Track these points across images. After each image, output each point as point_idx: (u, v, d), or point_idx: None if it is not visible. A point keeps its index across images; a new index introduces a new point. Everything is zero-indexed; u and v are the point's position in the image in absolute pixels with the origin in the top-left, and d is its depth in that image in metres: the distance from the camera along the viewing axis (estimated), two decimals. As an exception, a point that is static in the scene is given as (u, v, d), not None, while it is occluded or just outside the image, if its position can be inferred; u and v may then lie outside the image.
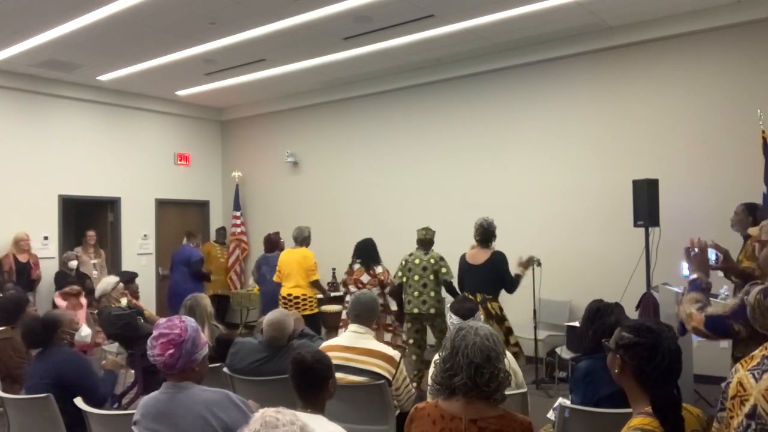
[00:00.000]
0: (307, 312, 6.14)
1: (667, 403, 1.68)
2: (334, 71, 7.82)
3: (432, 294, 5.57)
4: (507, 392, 2.06)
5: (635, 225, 5.55)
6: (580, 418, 2.64)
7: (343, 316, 5.82)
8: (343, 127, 8.75)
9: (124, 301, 5.16)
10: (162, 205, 9.35)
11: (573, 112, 6.73)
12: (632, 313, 4.60)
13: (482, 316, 4.18)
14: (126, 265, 8.32)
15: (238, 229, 9.61)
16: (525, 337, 5.86)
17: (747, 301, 1.95)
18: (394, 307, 5.90)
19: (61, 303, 6.70)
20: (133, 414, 2.35)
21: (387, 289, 5.77)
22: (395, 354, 3.27)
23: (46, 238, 7.97)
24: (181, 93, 8.93)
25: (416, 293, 5.59)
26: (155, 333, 2.28)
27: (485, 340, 1.99)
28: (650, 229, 5.50)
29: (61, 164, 8.14)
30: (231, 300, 9.08)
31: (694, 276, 2.68)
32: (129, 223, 8.90)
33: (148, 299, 8.17)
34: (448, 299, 5.64)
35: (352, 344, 3.27)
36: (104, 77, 7.95)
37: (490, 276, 5.17)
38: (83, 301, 6.92)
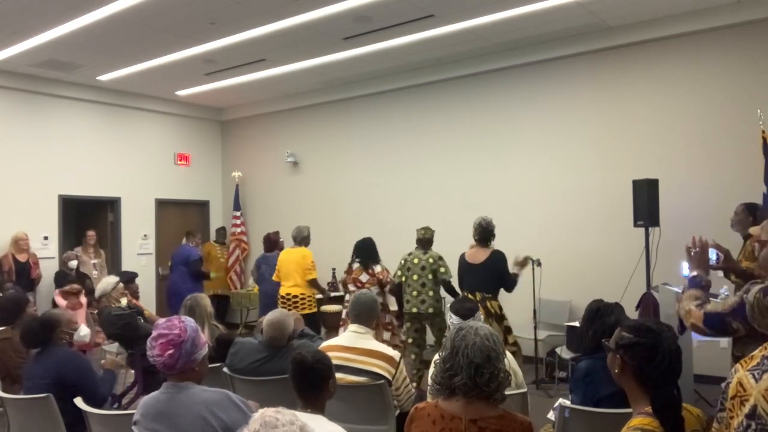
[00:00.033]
0: (306, 311, 6.15)
1: (667, 403, 1.68)
2: (334, 71, 7.82)
3: (430, 293, 5.57)
4: (507, 392, 2.06)
5: (635, 225, 5.55)
6: (580, 418, 2.64)
7: (343, 315, 5.82)
8: (343, 127, 8.75)
9: (124, 301, 5.16)
10: (162, 205, 9.35)
11: (573, 112, 6.73)
12: (632, 313, 4.60)
13: (482, 316, 4.18)
14: (126, 265, 8.32)
15: (238, 229, 9.61)
16: (525, 337, 5.87)
17: (746, 299, 1.94)
18: (393, 306, 5.90)
19: (61, 302, 6.69)
20: (133, 414, 2.35)
21: (386, 288, 5.77)
22: (395, 354, 3.27)
23: (46, 238, 7.97)
24: (181, 93, 8.93)
25: (415, 293, 5.59)
26: (155, 333, 2.28)
27: (485, 340, 1.99)
28: (650, 229, 5.50)
29: (61, 164, 8.15)
30: (231, 300, 9.08)
31: (694, 273, 2.68)
32: (129, 223, 8.90)
33: (148, 299, 8.17)
34: (447, 299, 5.66)
35: (352, 344, 3.27)
36: (104, 77, 7.95)
37: (489, 275, 5.19)
38: (83, 300, 6.90)
